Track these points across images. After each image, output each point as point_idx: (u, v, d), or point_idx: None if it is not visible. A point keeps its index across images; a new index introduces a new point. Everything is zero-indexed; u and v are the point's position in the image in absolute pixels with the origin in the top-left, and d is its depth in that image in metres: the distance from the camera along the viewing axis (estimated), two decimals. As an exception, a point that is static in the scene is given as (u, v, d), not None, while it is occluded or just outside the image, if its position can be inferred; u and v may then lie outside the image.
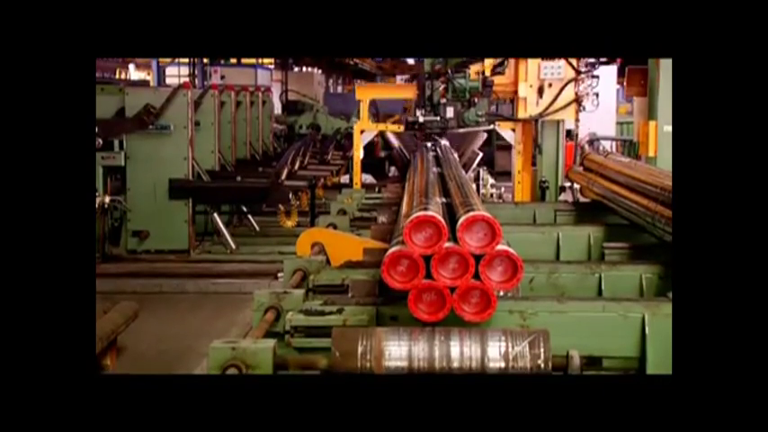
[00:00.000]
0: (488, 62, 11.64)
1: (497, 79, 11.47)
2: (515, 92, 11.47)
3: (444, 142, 10.02)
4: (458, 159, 8.67)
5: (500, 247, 3.50)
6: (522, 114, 11.32)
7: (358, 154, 12.40)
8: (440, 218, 3.58)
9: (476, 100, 11.11)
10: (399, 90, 12.05)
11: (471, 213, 3.59)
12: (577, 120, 10.96)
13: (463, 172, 6.18)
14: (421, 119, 11.13)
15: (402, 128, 12.45)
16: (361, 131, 12.68)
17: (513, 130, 11.62)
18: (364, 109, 12.95)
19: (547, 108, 10.95)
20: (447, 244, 3.50)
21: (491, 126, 11.68)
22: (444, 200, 4.77)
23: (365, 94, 13.17)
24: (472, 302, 3.53)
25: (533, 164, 11.05)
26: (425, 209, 3.79)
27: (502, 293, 4.12)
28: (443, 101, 11.02)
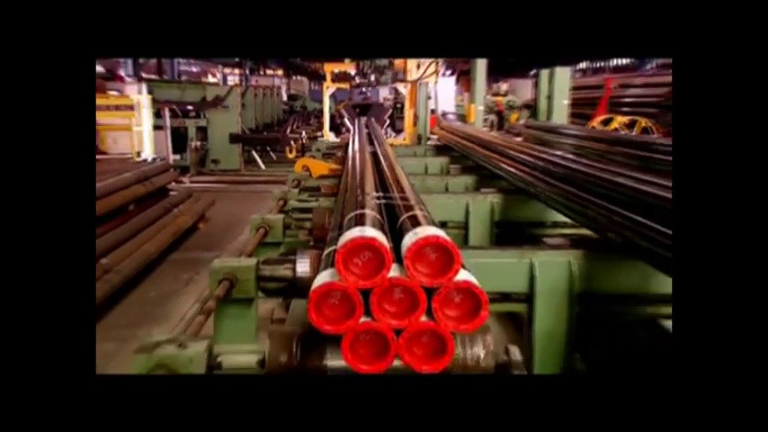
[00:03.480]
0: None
1: (396, 61, 11.78)
2: (405, 67, 11.62)
3: (372, 118, 9.91)
4: (379, 127, 8.51)
5: (459, 277, 1.44)
6: (409, 78, 11.40)
7: (326, 117, 12.36)
8: (381, 241, 1.46)
9: (387, 69, 11.66)
10: (347, 66, 12.28)
11: (423, 236, 1.47)
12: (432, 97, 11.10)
13: (391, 150, 5.08)
14: (357, 80, 11.47)
15: (349, 85, 12.47)
16: (328, 87, 12.59)
17: (405, 87, 11.60)
18: (329, 78, 12.65)
19: (420, 77, 11.06)
20: (391, 274, 1.44)
21: (396, 84, 11.81)
22: (381, 194, 2.40)
23: (328, 68, 12.81)
24: (422, 344, 1.46)
25: (415, 124, 10.94)
26: (361, 222, 1.69)
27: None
28: (369, 71, 11.65)
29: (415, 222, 1.73)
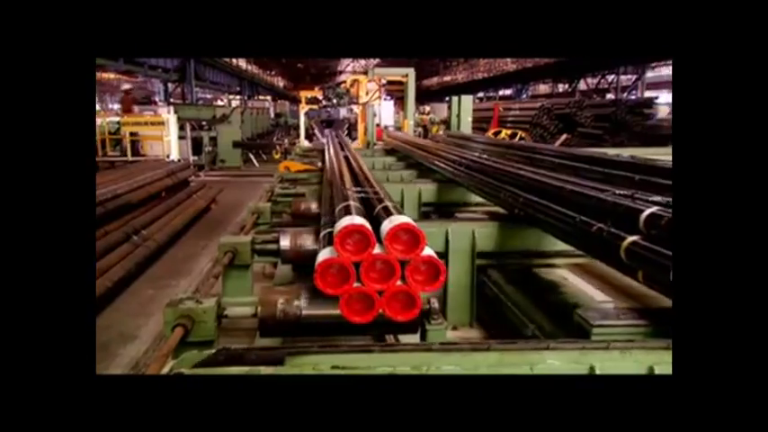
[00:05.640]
0: (349, 81, 11.92)
1: (352, 89, 11.43)
2: (358, 93, 11.16)
3: (336, 130, 9.63)
4: (344, 136, 8.23)
5: (424, 252, 1.43)
6: (360, 101, 10.94)
7: (302, 129, 12.19)
8: (368, 227, 1.46)
9: (344, 95, 11.31)
10: (317, 92, 12.18)
11: (397, 222, 1.47)
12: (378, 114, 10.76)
13: (357, 153, 4.59)
14: (324, 103, 11.31)
15: (318, 106, 12.07)
16: (303, 108, 12.37)
17: (358, 107, 11.20)
18: (303, 102, 12.39)
19: (368, 101, 10.63)
20: (375, 251, 1.42)
21: (351, 105, 11.48)
22: (359, 189, 2.23)
23: (303, 94, 12.83)
24: (399, 300, 1.43)
25: (365, 133, 10.74)
26: (349, 212, 1.66)
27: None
28: (332, 96, 11.38)
29: (389, 212, 1.69)
